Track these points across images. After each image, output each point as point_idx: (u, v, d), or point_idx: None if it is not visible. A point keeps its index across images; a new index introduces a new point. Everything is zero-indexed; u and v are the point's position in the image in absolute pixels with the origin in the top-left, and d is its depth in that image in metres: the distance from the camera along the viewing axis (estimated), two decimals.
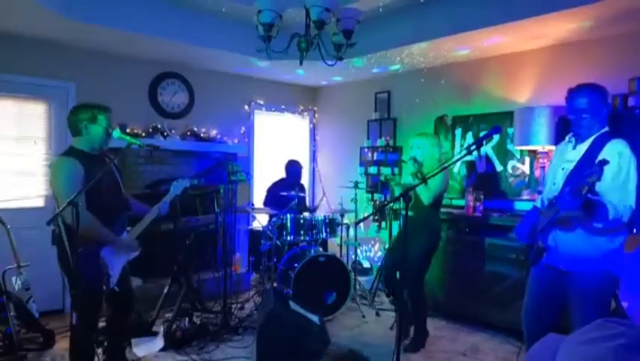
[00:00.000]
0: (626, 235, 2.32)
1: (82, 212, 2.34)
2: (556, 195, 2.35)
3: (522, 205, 4.27)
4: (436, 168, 3.51)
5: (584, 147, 2.37)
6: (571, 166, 2.37)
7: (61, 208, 2.30)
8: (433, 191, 3.50)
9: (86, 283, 2.49)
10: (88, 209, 2.54)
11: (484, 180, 4.64)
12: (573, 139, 2.47)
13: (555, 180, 2.45)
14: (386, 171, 5.43)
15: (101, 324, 3.71)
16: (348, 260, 5.09)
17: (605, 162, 1.95)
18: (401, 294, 3.18)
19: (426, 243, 3.60)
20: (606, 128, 2.38)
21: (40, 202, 4.38)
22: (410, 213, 3.60)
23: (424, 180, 2.81)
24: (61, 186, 2.55)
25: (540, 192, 2.79)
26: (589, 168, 2.03)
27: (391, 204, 4.48)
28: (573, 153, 2.42)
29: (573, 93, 2.39)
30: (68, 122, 2.72)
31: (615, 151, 2.23)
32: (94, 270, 2.59)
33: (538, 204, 2.68)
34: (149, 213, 2.95)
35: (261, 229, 4.74)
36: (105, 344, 3.11)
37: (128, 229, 2.92)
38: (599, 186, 2.14)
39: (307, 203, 5.72)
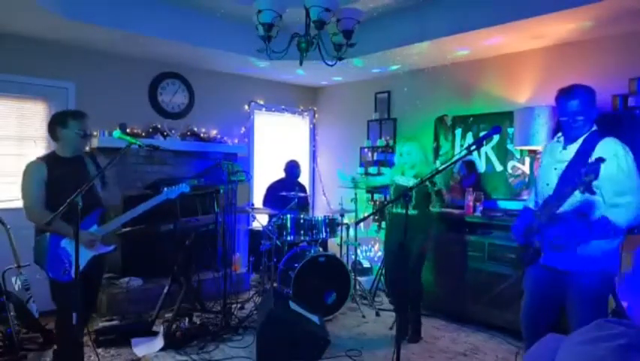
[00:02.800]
0: (623, 235, 2.32)
1: (40, 208, 2.65)
2: (550, 195, 2.35)
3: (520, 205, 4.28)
4: (432, 169, 3.71)
5: (574, 147, 2.37)
6: (563, 166, 2.37)
7: (61, 208, 2.33)
8: None
9: (47, 268, 2.67)
10: (47, 204, 2.71)
11: (484, 180, 4.65)
12: (562, 139, 2.46)
13: (548, 181, 2.44)
14: (386, 170, 5.43)
15: (102, 324, 3.74)
16: (348, 260, 5.09)
17: (601, 159, 1.94)
18: (403, 293, 3.19)
19: (425, 240, 3.80)
20: (595, 128, 2.37)
21: None
22: (412, 211, 3.65)
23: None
24: (22, 187, 2.78)
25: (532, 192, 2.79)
26: (584, 166, 2.03)
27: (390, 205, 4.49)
28: (564, 153, 2.41)
29: (565, 95, 2.37)
30: (47, 128, 2.88)
31: (610, 152, 2.21)
32: (51, 256, 2.69)
33: (530, 204, 2.67)
34: (127, 213, 2.99)
35: (261, 229, 4.74)
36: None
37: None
38: (602, 188, 2.17)
39: (309, 203, 5.72)
